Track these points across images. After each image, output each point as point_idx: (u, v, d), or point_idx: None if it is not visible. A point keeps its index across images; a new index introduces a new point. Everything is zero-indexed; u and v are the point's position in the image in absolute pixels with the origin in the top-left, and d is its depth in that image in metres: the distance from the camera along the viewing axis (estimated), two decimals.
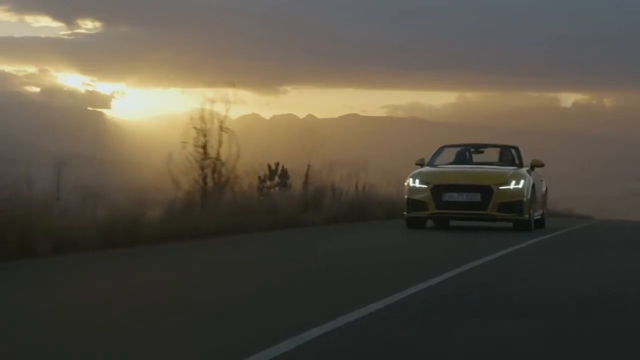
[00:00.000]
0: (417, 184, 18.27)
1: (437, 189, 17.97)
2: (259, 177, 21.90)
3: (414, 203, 18.20)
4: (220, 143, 17.64)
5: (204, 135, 17.54)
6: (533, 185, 18.49)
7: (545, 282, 9.53)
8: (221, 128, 17.67)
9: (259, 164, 21.55)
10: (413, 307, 7.47)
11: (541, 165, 19.52)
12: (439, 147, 20.07)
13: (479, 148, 20.16)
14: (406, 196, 18.42)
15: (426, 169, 18.98)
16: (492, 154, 20.08)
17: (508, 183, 17.99)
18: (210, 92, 17.18)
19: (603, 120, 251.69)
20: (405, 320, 6.86)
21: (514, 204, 17.89)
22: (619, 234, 19.82)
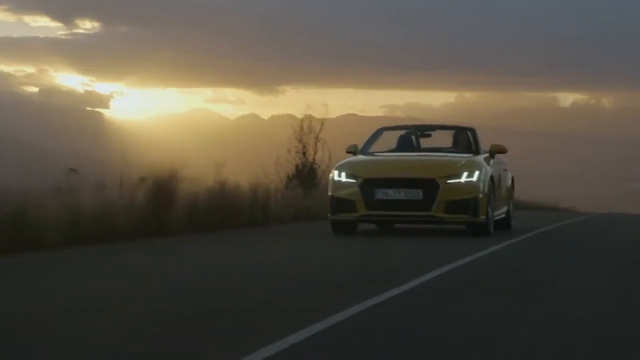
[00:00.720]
0: (344, 177, 14.34)
1: (368, 184, 14.04)
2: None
3: (339, 202, 14.28)
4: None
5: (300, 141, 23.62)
6: (492, 177, 14.58)
7: None
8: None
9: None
10: None
11: (503, 151, 15.58)
12: (377, 129, 16.12)
13: (424, 131, 16.19)
14: (329, 193, 14.50)
15: (357, 157, 15.07)
16: (446, 139, 16.11)
17: (459, 175, 14.05)
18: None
19: (602, 120, 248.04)
20: None
21: (466, 202, 13.96)
22: (607, 236, 15.91)
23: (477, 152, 15.24)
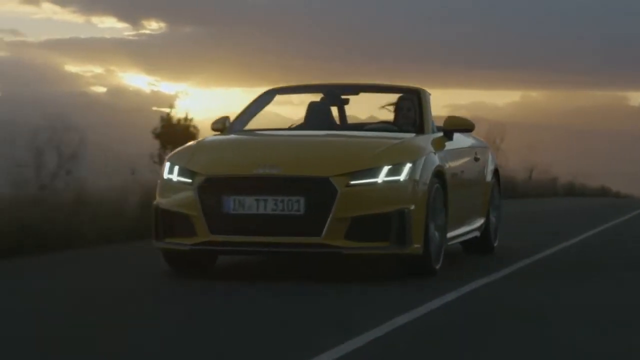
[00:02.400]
0: (176, 174, 8.26)
1: (212, 187, 7.94)
2: None
3: (165, 218, 8.20)
4: None
5: None
6: (442, 173, 8.52)
7: None
8: None
9: None
10: None
11: (467, 127, 9.36)
12: (265, 91, 9.88)
13: (342, 93, 9.88)
14: (154, 202, 8.42)
15: (214, 138, 9.01)
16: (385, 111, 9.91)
17: (373, 171, 7.90)
18: None
19: None
20: None
21: (384, 220, 7.83)
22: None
23: (420, 129, 9.07)
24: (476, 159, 9.95)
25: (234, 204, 7.82)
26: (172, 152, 8.51)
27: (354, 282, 8.06)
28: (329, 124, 9.42)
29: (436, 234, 8.33)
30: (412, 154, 8.16)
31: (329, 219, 7.71)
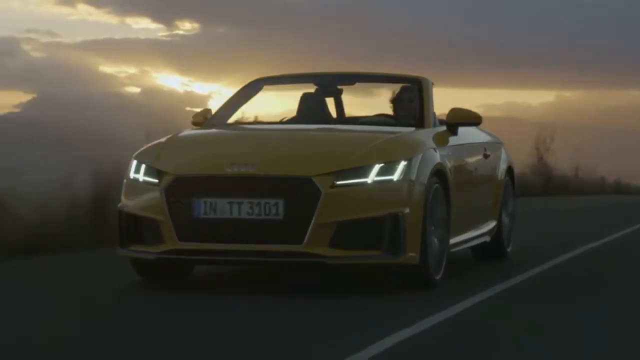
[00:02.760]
0: (142, 174, 7.36)
1: (181, 188, 7.02)
2: None
3: (130, 222, 7.29)
4: None
5: None
6: (443, 171, 7.56)
7: None
8: None
9: None
10: None
11: (474, 121, 8.37)
12: (252, 81, 8.94)
13: (337, 83, 8.86)
14: (119, 204, 7.51)
15: (187, 133, 8.07)
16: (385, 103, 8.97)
17: (363, 170, 6.97)
18: None
19: None
20: None
21: (375, 225, 6.90)
22: None
23: (420, 122, 8.12)
24: (486, 156, 8.99)
25: (204, 208, 6.91)
26: (141, 149, 7.60)
27: (338, 295, 7.13)
28: (324, 118, 8.48)
29: (435, 240, 7.39)
30: (408, 151, 7.22)
31: (311, 224, 6.79)
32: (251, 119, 10.01)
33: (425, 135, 7.78)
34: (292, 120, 8.50)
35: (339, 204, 6.84)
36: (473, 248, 9.05)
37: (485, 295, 7.26)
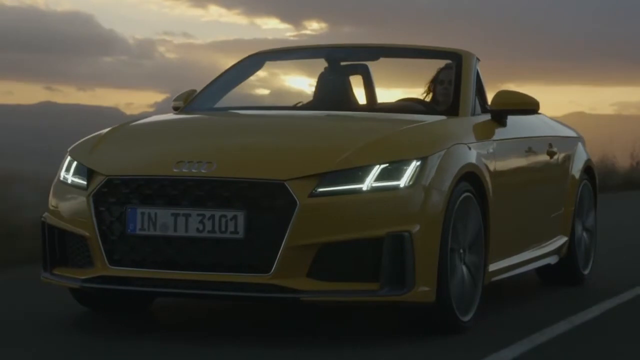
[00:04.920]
0: (72, 174, 5.57)
1: (112, 195, 5.19)
2: None
3: (54, 238, 5.50)
4: None
5: None
6: (479, 175, 5.57)
7: None
8: None
9: None
10: None
11: (528, 107, 6.29)
12: (250, 55, 7.04)
13: (357, 57, 6.92)
14: (44, 214, 5.70)
15: (139, 122, 6.12)
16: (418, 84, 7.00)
17: (356, 174, 5.05)
18: None
19: None
20: None
21: (368, 250, 4.98)
22: None
23: (454, 108, 6.14)
24: (551, 154, 6.97)
25: (141, 221, 5.10)
26: (78, 141, 5.80)
27: (332, 335, 5.24)
28: (345, 103, 6.58)
29: (463, 269, 5.44)
30: (424, 146, 5.28)
31: (282, 247, 4.92)
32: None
33: (456, 125, 5.83)
34: (306, 106, 6.63)
35: (321, 219, 4.95)
36: (539, 270, 7.10)
37: (538, 340, 5.30)
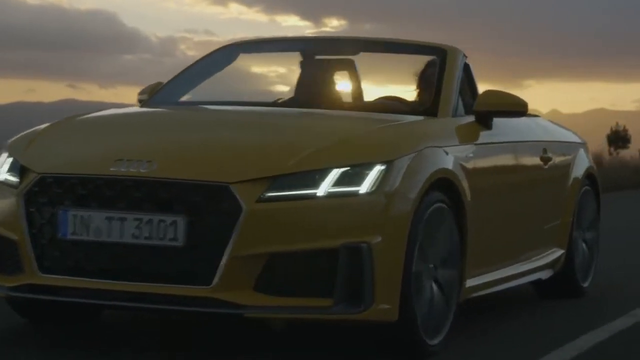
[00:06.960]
0: (7, 171, 5.07)
1: (44, 195, 4.68)
2: None
3: None
4: None
5: None
6: (452, 180, 5.01)
7: None
8: None
9: None
10: None
11: (515, 110, 5.74)
12: (224, 46, 6.52)
13: (336, 50, 6.33)
14: None
15: (86, 115, 5.57)
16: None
17: (311, 178, 4.54)
18: None
19: None
20: None
21: (322, 262, 4.44)
22: None
23: (434, 108, 5.60)
24: (545, 159, 6.42)
25: (73, 225, 4.61)
26: (17, 136, 5.32)
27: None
28: (325, 100, 6.07)
29: (433, 286, 4.92)
30: (391, 149, 4.76)
31: (225, 256, 4.42)
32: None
33: (432, 127, 5.32)
34: (286, 103, 6.14)
35: (270, 227, 4.45)
36: (535, 283, 6.58)
37: None
